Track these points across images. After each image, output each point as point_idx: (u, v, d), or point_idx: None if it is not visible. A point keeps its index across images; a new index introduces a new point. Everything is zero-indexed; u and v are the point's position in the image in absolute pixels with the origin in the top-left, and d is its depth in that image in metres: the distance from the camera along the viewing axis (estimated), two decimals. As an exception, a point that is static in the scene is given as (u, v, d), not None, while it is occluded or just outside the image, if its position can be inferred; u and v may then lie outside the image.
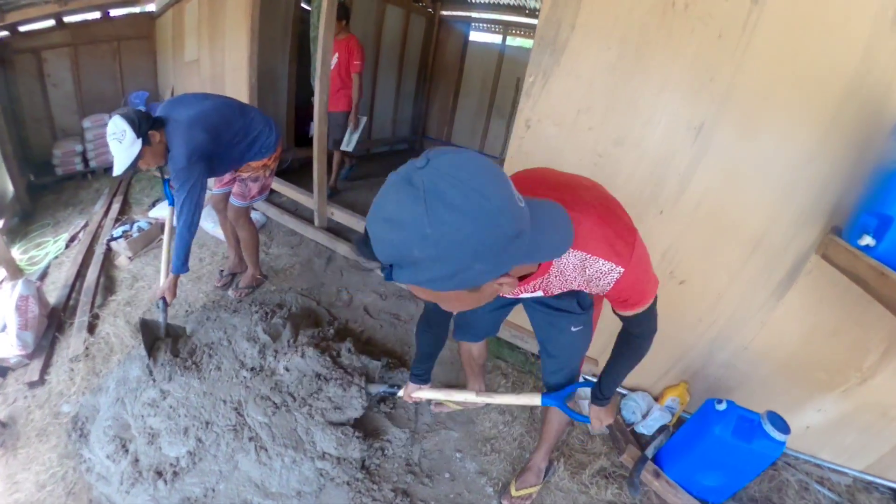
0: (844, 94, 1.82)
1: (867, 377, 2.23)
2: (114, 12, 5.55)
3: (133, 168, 2.44)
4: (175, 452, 2.10)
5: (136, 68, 5.88)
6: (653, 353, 2.20)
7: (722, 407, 2.11)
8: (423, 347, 1.93)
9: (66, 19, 5.19)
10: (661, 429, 2.51)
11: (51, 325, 2.95)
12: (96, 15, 5.43)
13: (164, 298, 2.65)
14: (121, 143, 2.33)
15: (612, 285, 1.14)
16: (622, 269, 1.10)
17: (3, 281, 3.50)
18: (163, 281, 2.72)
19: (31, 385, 2.59)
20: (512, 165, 2.54)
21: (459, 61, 7.41)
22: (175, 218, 2.66)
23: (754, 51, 1.90)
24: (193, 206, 2.56)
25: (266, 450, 2.10)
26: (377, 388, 2.38)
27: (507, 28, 6.93)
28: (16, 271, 3.55)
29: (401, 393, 2.17)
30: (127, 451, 2.16)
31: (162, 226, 3.90)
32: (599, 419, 1.72)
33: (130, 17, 5.77)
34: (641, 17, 2.04)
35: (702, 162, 2.12)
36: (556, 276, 1.17)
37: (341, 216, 4.30)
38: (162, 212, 4.19)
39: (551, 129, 2.37)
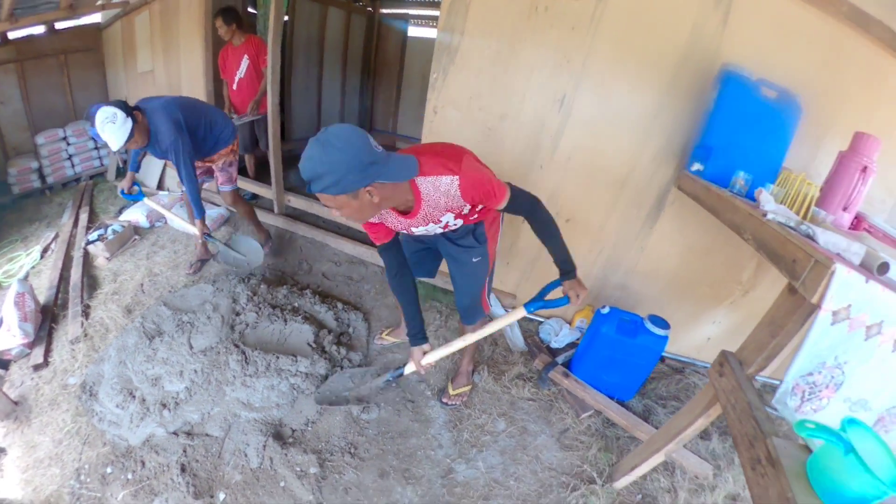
0: (680, 59, 2.43)
1: (748, 289, 2.74)
2: (59, 25, 5.46)
3: (126, 143, 2.78)
4: (175, 388, 2.56)
5: (85, 81, 5.88)
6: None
7: (605, 311, 2.61)
8: (404, 297, 2.04)
9: (11, 35, 5.07)
10: (570, 344, 3.08)
11: (45, 318, 3.25)
12: (41, 29, 5.34)
13: (207, 235, 3.30)
14: (114, 124, 2.69)
15: (461, 192, 1.64)
16: (457, 177, 1.62)
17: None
18: (197, 229, 3.27)
19: (37, 367, 2.88)
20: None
21: (400, 56, 7.72)
22: (181, 181, 3.09)
23: (601, 35, 2.50)
24: (190, 168, 3.01)
25: (250, 376, 2.60)
26: (384, 379, 2.37)
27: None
28: (-6, 285, 3.81)
29: (409, 369, 2.20)
30: (134, 396, 2.56)
31: (135, 228, 4.38)
32: (576, 291, 1.91)
33: (76, 30, 5.66)
34: (512, 20, 2.63)
35: (567, 124, 2.73)
36: (428, 203, 1.68)
37: (298, 202, 4.64)
38: (132, 215, 4.50)
39: (452, 112, 2.96)
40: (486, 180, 1.69)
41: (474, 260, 2.15)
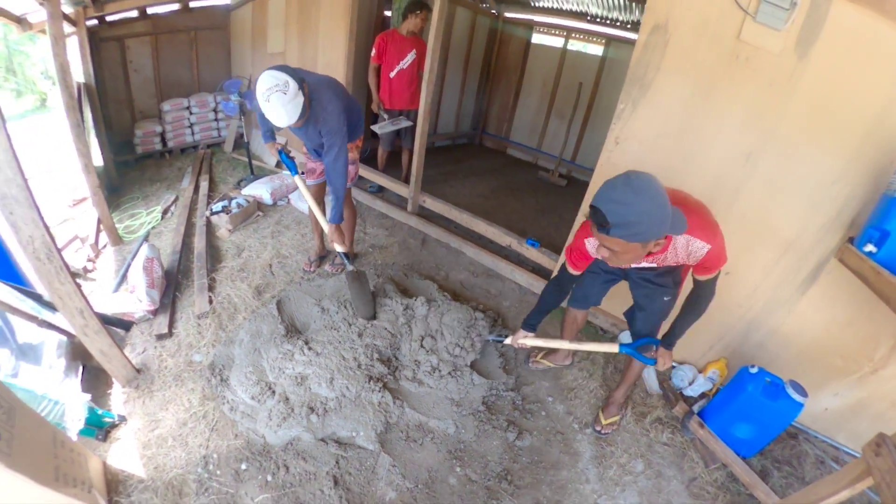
0: (865, 134, 2.30)
1: (878, 367, 2.62)
2: (192, 4, 5.83)
3: (297, 121, 2.45)
4: (324, 394, 2.50)
5: (211, 57, 6.22)
6: (699, 332, 2.74)
7: (754, 370, 2.57)
8: (544, 303, 2.47)
9: (149, 10, 5.49)
10: (703, 395, 3.06)
11: (169, 285, 3.27)
12: (176, 6, 5.71)
13: (344, 253, 3.04)
14: (285, 94, 2.33)
15: (703, 256, 1.81)
16: (710, 246, 1.77)
17: (105, 247, 3.88)
18: (328, 231, 2.97)
19: (160, 337, 2.86)
20: (601, 173, 3.07)
21: (521, 62, 7.55)
22: (328, 174, 2.81)
23: (796, 96, 2.38)
24: (346, 161, 2.73)
25: (405, 399, 2.62)
26: (489, 336, 3.05)
27: (569, 32, 7.00)
28: (117, 238, 3.91)
29: (508, 340, 2.70)
30: (273, 392, 2.49)
31: (257, 203, 4.39)
32: (664, 360, 2.29)
33: (207, 10, 6.02)
34: (711, 66, 2.53)
35: (749, 180, 2.63)
36: (671, 252, 1.82)
37: (433, 204, 4.53)
38: (255, 190, 4.53)
39: (635, 146, 2.91)
40: (719, 258, 1.88)
41: (665, 299, 2.30)
